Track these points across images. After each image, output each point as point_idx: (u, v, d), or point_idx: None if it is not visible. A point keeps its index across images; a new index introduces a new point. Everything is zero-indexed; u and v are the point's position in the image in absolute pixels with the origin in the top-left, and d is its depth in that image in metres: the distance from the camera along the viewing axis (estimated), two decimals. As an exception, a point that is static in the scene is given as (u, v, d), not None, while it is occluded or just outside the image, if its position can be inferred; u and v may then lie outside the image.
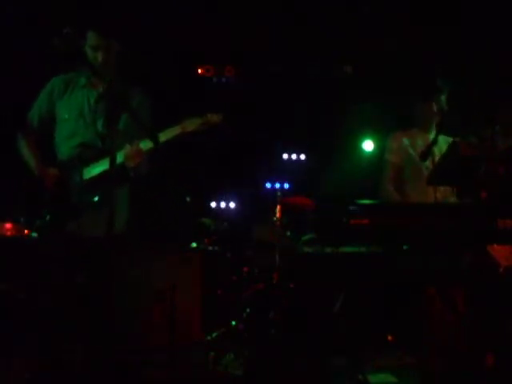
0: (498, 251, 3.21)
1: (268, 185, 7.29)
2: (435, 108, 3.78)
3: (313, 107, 7.00)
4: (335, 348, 4.42)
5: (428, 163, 3.58)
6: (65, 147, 3.27)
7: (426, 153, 3.45)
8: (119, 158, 3.07)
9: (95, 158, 3.15)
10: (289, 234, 5.08)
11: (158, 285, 4.57)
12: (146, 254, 4.78)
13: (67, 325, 2.97)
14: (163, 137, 3.06)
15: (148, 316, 4.52)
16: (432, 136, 3.73)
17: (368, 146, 7.46)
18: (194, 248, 5.48)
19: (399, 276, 3.66)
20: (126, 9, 5.45)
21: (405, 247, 3.02)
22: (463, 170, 3.14)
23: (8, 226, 3.34)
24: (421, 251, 3.22)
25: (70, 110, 3.28)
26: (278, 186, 7.03)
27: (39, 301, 3.03)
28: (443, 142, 3.70)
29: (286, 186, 7.24)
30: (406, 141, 3.89)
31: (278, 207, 4.82)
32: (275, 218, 4.83)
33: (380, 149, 7.23)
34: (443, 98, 3.80)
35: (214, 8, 5.76)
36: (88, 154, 3.19)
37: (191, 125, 3.09)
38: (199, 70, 6.84)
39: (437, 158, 3.58)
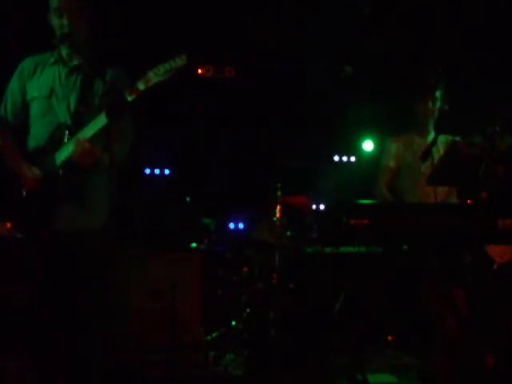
0: (492, 248, 3.22)
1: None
2: (431, 107, 3.77)
3: (313, 107, 7.00)
4: (335, 348, 4.42)
5: (425, 166, 3.57)
6: (37, 127, 3.05)
7: (426, 153, 3.44)
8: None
9: (66, 138, 2.95)
10: (289, 233, 5.08)
11: (158, 285, 4.58)
12: (146, 253, 4.78)
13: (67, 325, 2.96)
14: (129, 98, 2.82)
15: (148, 316, 4.53)
16: (430, 138, 3.73)
17: (368, 146, 7.47)
18: (194, 248, 5.49)
19: (399, 276, 3.66)
20: (127, 8, 5.46)
21: (404, 247, 3.02)
22: (463, 169, 3.14)
23: (9, 225, 3.31)
24: (420, 251, 3.23)
25: (40, 88, 3.05)
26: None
27: (39, 301, 3.01)
28: (444, 142, 3.70)
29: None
30: (401, 146, 3.91)
31: (278, 207, 4.81)
32: (275, 218, 4.83)
33: (380, 149, 7.26)
34: (438, 95, 3.78)
35: (215, 8, 5.76)
36: (58, 135, 2.97)
37: (156, 76, 2.81)
38: (199, 70, 6.84)
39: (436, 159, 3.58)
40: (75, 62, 3.09)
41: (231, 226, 7.11)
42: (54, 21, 3.04)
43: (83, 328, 2.92)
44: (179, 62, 2.82)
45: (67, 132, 2.96)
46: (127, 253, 4.57)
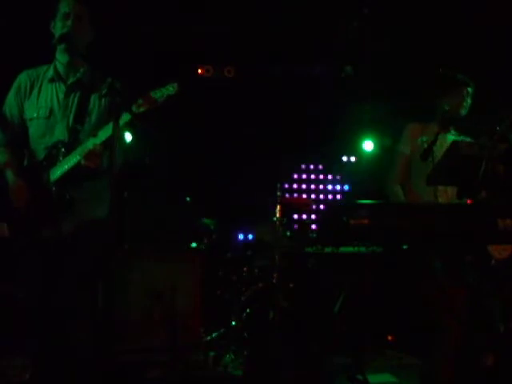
0: (492, 245, 3.22)
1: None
2: (456, 104, 3.71)
3: (313, 107, 7.00)
4: (335, 348, 4.42)
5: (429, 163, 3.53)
6: (38, 148, 3.08)
7: (427, 152, 3.43)
8: (76, 156, 2.94)
9: (62, 155, 2.99)
10: (289, 234, 5.09)
11: (158, 285, 4.58)
12: (146, 254, 4.79)
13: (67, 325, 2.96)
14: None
15: (148, 316, 4.53)
16: (450, 135, 3.69)
17: (368, 146, 7.47)
18: (194, 248, 5.49)
19: (399, 276, 3.66)
20: (127, 8, 5.46)
21: (404, 247, 3.02)
22: (463, 169, 3.14)
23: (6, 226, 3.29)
24: (420, 251, 3.22)
25: (39, 109, 3.09)
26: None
27: (38, 300, 3.01)
28: (444, 140, 3.67)
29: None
30: (423, 137, 3.77)
31: (278, 207, 4.81)
32: (275, 218, 4.83)
33: (380, 149, 7.27)
34: (470, 91, 3.73)
35: (214, 8, 5.76)
36: (55, 152, 3.01)
37: (147, 104, 2.85)
38: (199, 70, 6.84)
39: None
40: (72, 79, 3.13)
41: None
42: (58, 25, 3.08)
43: (82, 328, 2.92)
44: (171, 89, 2.87)
45: (63, 149, 3.01)
46: (127, 253, 4.58)
